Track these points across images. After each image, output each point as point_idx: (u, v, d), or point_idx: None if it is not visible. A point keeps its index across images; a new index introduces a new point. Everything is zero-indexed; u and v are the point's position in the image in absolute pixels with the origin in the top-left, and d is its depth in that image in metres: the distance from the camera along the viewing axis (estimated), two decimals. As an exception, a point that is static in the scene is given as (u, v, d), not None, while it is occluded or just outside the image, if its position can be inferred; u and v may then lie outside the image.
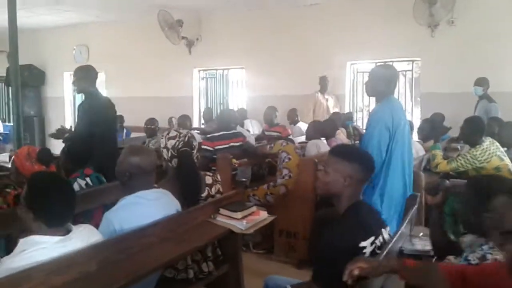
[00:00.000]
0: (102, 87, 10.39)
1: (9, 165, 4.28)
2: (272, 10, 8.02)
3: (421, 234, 2.37)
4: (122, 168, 2.28)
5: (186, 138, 2.82)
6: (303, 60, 7.82)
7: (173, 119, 8.49)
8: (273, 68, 8.10)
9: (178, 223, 2.40)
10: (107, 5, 8.46)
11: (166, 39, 8.55)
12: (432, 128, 5.26)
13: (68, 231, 1.87)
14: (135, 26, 9.46)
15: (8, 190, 2.92)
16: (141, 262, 2.01)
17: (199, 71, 9.17)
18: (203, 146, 4.75)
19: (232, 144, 4.87)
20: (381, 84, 3.21)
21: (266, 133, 6.17)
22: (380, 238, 1.86)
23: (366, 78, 7.60)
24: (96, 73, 4.27)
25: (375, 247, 1.81)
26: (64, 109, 10.71)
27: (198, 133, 6.16)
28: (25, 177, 2.74)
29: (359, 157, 1.97)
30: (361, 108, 7.95)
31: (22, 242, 1.80)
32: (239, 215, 2.60)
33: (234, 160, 4.47)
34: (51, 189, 1.83)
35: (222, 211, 2.65)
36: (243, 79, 8.71)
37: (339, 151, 2.01)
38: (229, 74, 9.23)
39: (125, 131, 8.43)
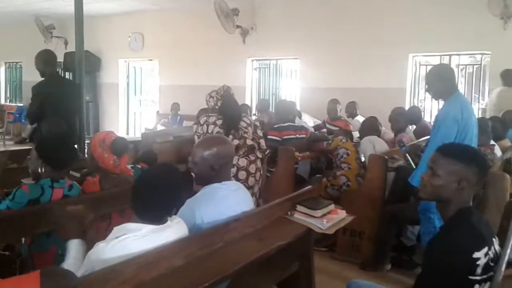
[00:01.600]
0: (156, 75, 10.51)
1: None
2: (330, -1, 7.80)
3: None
4: (210, 161, 2.17)
5: (225, 87, 4.12)
6: (361, 51, 7.55)
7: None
8: (328, 59, 7.87)
9: (258, 219, 2.30)
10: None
11: (220, 28, 8.46)
12: (505, 127, 4.93)
13: (165, 221, 1.82)
14: (189, 14, 9.46)
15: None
16: (226, 259, 1.93)
17: (252, 61, 9.05)
18: (269, 136, 4.67)
19: (298, 136, 4.77)
20: (438, 84, 3.22)
21: (328, 125, 5.99)
22: (493, 249, 1.69)
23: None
24: (55, 57, 4.61)
25: (488, 258, 1.63)
26: (118, 95, 10.88)
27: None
28: (97, 162, 2.71)
29: (476, 159, 1.76)
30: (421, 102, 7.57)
31: (117, 228, 1.77)
32: (318, 213, 2.47)
33: (297, 154, 4.36)
34: (156, 185, 1.79)
35: (299, 207, 2.54)
36: (297, 70, 8.51)
37: (453, 152, 1.80)
38: (282, 65, 9.06)
39: (178, 118, 8.46)
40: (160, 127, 9.12)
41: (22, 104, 12.20)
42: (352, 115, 6.63)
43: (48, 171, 2.50)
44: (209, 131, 3.80)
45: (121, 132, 10.73)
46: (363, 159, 4.41)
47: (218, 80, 9.09)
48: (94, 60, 10.60)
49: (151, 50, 10.20)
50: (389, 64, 7.28)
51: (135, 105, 11.34)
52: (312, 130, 5.42)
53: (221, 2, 8.25)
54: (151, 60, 10.51)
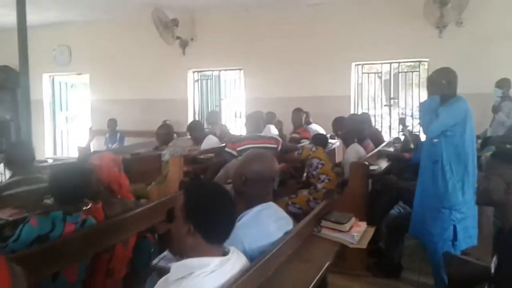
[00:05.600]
0: (86, 89, 9.88)
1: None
2: (272, 9, 7.81)
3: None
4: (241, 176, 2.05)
5: None
6: (305, 60, 7.66)
7: (167, 122, 8.14)
8: (273, 69, 7.88)
9: (296, 240, 2.16)
10: (93, 3, 7.97)
11: (158, 39, 8.17)
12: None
13: (224, 252, 1.62)
14: (122, 25, 9.02)
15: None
16: (286, 286, 1.77)
17: (193, 72, 8.82)
18: (226, 149, 4.52)
19: (263, 145, 4.60)
20: (446, 88, 3.27)
21: (294, 136, 5.94)
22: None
23: (371, 79, 7.60)
24: None
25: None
26: (43, 112, 10.05)
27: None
28: (103, 185, 2.42)
29: None
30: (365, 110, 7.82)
31: (178, 266, 1.53)
32: (346, 227, 2.39)
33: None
34: (216, 200, 1.59)
35: (324, 223, 2.44)
36: (241, 81, 8.42)
37: (504, 155, 1.82)
38: (225, 76, 8.94)
39: (118, 135, 7.99)
40: (93, 146, 8.58)
41: None
42: (306, 122, 6.61)
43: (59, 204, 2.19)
44: None
45: (48, 153, 9.94)
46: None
47: (157, 93, 8.81)
48: (15, 75, 9.66)
49: (80, 63, 9.56)
50: (333, 72, 7.45)
51: (62, 122, 10.55)
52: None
53: (159, 12, 7.97)
54: (80, 74, 9.85)
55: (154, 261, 1.85)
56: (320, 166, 4.36)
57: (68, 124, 10.66)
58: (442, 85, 3.25)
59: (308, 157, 4.46)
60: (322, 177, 4.29)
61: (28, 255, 1.83)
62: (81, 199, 2.27)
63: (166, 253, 1.87)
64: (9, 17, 8.45)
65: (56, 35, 9.57)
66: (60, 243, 2.07)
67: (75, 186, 2.20)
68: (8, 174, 3.78)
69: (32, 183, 2.97)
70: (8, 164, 3.07)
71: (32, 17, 8.81)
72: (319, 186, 4.23)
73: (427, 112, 3.22)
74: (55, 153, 10.15)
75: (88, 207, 2.29)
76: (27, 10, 8.20)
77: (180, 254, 1.63)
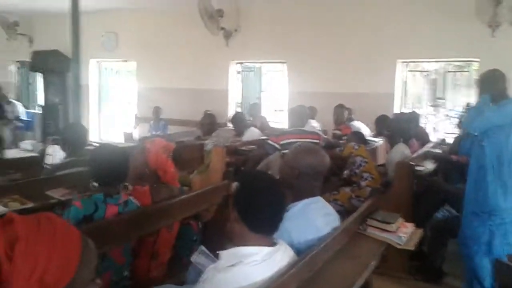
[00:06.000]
0: (130, 76, 10.09)
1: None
2: (317, 3, 7.72)
3: None
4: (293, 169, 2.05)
5: None
6: (349, 56, 7.55)
7: (209, 112, 8.22)
8: (317, 63, 7.77)
9: (343, 236, 2.14)
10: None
11: (202, 29, 8.22)
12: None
13: (273, 243, 1.62)
14: (168, 14, 9.13)
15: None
16: (332, 282, 1.76)
17: (236, 64, 8.85)
18: (268, 141, 4.53)
19: (305, 140, 4.58)
20: (494, 88, 3.20)
21: (336, 132, 5.89)
22: None
23: (417, 77, 7.42)
24: None
25: None
26: (88, 97, 10.35)
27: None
28: (149, 169, 2.47)
29: None
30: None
31: (228, 254, 1.56)
32: (393, 227, 2.35)
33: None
34: (261, 191, 1.60)
35: (370, 221, 2.41)
36: (284, 74, 8.38)
37: None
38: (267, 69, 8.92)
39: (162, 123, 8.13)
40: (137, 132, 8.77)
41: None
42: (348, 119, 6.53)
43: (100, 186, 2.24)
44: None
45: (93, 137, 10.21)
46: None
47: (200, 83, 8.90)
48: (64, 60, 9.96)
49: (126, 50, 9.77)
50: (377, 69, 7.29)
51: (107, 108, 10.83)
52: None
53: (205, 2, 8.02)
54: (126, 61, 10.07)
55: (193, 257, 1.85)
56: (363, 164, 4.30)
57: (113, 110, 10.93)
58: (490, 87, 3.15)
59: (351, 155, 4.41)
60: (365, 175, 4.22)
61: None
62: (120, 181, 2.30)
63: (202, 248, 1.86)
64: (60, 3, 8.73)
65: (105, 21, 9.81)
66: (107, 224, 2.13)
67: (113, 168, 2.23)
68: (57, 155, 3.94)
69: (84, 165, 3.06)
70: (63, 145, 3.18)
71: (82, 3, 9.10)
72: (363, 183, 4.17)
73: (474, 109, 3.15)
74: (100, 137, 10.44)
75: (128, 191, 2.32)
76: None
77: (229, 240, 1.64)
